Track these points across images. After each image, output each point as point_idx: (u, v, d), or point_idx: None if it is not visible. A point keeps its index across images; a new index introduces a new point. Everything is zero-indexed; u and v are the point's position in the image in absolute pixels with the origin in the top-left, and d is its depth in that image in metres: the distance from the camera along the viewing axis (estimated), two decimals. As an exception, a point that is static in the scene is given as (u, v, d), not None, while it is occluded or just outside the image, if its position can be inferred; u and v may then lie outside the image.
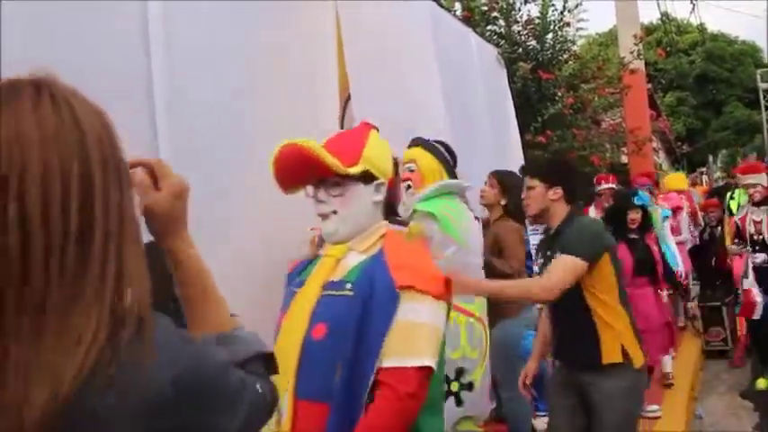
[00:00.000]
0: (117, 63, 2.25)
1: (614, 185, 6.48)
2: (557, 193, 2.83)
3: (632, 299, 3.15)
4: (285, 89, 3.06)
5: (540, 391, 4.74)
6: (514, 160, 6.45)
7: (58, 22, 2.06)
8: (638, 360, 2.75)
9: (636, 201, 5.10)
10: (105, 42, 2.23)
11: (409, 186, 3.01)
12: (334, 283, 1.79)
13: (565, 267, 2.67)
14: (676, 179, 9.14)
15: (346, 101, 3.66)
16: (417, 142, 3.13)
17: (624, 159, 10.99)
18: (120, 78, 2.22)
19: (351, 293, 1.73)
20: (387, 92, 3.78)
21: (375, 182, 1.84)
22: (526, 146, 7.08)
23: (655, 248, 5.28)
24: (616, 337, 2.73)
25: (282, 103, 3.02)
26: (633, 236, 4.96)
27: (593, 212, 6.36)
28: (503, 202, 3.96)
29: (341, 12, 3.47)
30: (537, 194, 2.87)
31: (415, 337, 1.66)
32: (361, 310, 1.68)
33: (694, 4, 26.65)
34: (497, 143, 5.98)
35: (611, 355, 2.72)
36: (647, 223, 5.11)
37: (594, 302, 2.75)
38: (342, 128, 3.60)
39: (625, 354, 2.73)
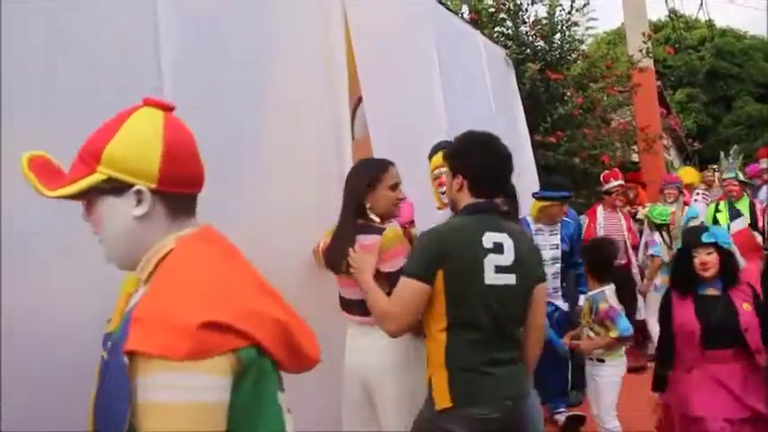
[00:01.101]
0: (128, 62, 2.28)
1: (623, 182, 6.34)
2: (458, 182, 2.36)
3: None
4: (297, 88, 3.08)
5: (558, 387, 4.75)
6: (524, 161, 6.46)
7: (73, 20, 2.11)
8: (440, 402, 2.19)
9: (705, 237, 3.22)
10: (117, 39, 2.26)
11: (443, 192, 3.01)
12: (105, 339, 1.34)
13: (400, 292, 2.23)
14: (688, 173, 8.82)
15: (357, 102, 3.68)
16: (443, 146, 3.13)
17: (635, 158, 10.94)
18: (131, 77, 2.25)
19: (105, 356, 1.28)
20: (394, 95, 3.81)
21: (131, 189, 1.27)
22: (536, 146, 7.08)
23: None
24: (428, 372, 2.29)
25: (293, 101, 3.05)
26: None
27: (601, 212, 6.22)
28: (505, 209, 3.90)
29: (349, 15, 3.50)
30: (446, 182, 2.49)
31: (160, 427, 1.07)
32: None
33: (702, 0, 26.49)
34: (507, 144, 5.97)
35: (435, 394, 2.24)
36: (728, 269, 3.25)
37: (427, 331, 2.29)
38: (353, 129, 3.62)
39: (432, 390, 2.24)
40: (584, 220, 6.03)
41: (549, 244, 4.71)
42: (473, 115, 5.29)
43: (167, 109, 1.33)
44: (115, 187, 1.26)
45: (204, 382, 1.07)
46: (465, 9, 8.12)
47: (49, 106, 2.04)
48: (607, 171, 6.52)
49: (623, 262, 5.92)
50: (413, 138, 3.79)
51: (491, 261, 2.21)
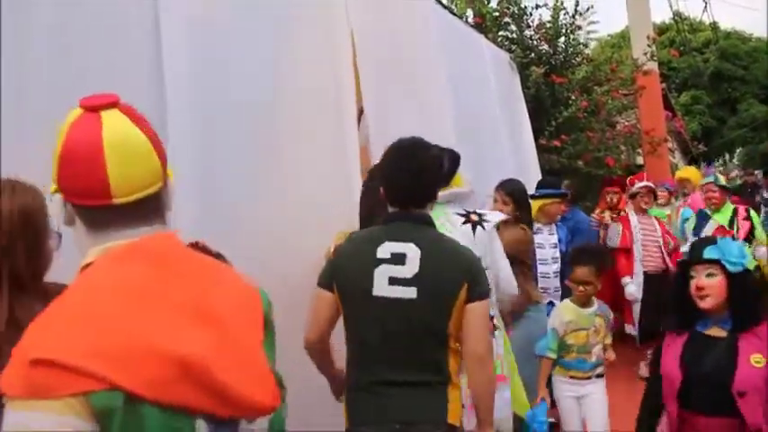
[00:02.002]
0: (130, 68, 2.32)
1: (650, 184, 6.17)
2: (382, 192, 2.27)
3: None
4: (306, 98, 3.12)
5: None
6: (529, 165, 6.47)
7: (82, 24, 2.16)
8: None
9: (707, 252, 2.45)
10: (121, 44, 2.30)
11: None
12: None
13: (311, 301, 2.22)
14: (689, 172, 8.49)
15: (359, 111, 3.70)
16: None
17: (640, 161, 10.93)
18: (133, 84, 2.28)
19: None
20: (396, 103, 3.82)
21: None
22: (541, 150, 7.08)
23: None
24: None
25: (303, 111, 3.08)
26: None
27: (633, 217, 5.90)
28: (516, 213, 3.94)
29: (353, 21, 3.52)
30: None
31: None
32: None
33: (706, 2, 26.49)
34: (512, 148, 5.99)
35: None
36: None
37: None
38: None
39: None
40: (618, 227, 5.78)
41: (549, 243, 4.78)
42: (478, 119, 5.31)
43: (89, 108, 1.17)
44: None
45: (39, 420, 0.97)
46: (469, 13, 8.14)
47: (51, 114, 2.07)
48: (618, 176, 6.43)
49: (663, 267, 5.74)
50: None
51: (384, 272, 2.07)
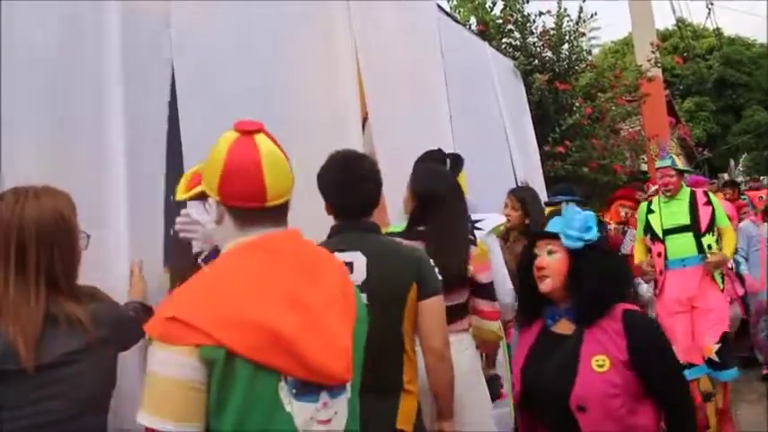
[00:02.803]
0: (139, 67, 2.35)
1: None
2: (326, 206, 2.30)
3: None
4: (310, 105, 3.15)
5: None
6: (533, 172, 6.46)
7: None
8: None
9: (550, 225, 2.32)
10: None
11: None
12: None
13: None
14: None
15: (363, 120, 3.70)
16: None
17: (644, 167, 10.91)
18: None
19: None
20: (399, 112, 3.83)
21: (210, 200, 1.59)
22: (545, 157, 7.07)
23: None
24: None
25: (307, 117, 3.11)
26: None
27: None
28: (526, 222, 3.92)
29: (356, 30, 3.53)
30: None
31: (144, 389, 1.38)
32: None
33: (710, 9, 26.47)
34: (516, 155, 5.98)
35: None
36: None
37: None
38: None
39: None
40: (633, 233, 5.62)
41: None
42: (481, 126, 5.30)
43: (245, 132, 1.51)
44: (208, 197, 1.55)
45: (166, 358, 1.34)
46: (473, 20, 8.15)
47: (56, 119, 2.09)
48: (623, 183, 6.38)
49: None
50: (418, 154, 3.82)
51: None
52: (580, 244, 1.92)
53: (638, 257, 4.83)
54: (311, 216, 2.92)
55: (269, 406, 1.37)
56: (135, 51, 2.36)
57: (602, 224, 5.48)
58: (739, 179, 24.53)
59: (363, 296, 2.04)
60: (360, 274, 2.14)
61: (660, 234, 4.59)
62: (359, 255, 2.17)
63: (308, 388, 1.40)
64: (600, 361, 1.82)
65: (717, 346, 4.30)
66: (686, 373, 4.13)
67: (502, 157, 5.66)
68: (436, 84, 4.44)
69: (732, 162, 26.05)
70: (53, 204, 1.74)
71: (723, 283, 4.52)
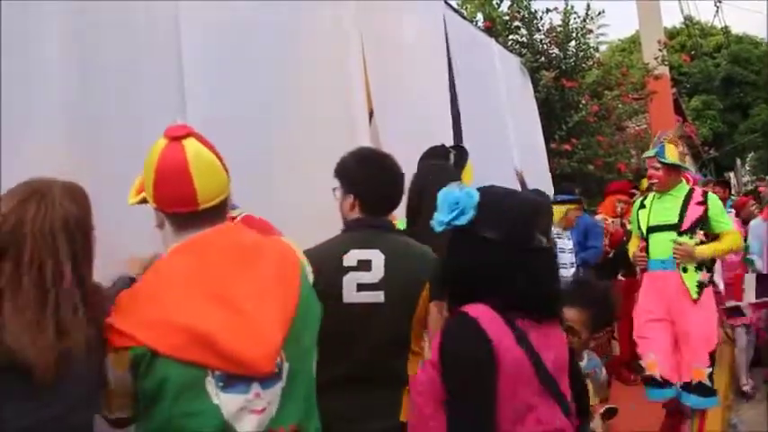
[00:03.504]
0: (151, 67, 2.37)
1: None
2: (349, 202, 2.23)
3: None
4: (317, 99, 3.18)
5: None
6: (540, 169, 6.45)
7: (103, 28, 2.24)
8: None
9: None
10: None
11: None
12: None
13: None
14: None
15: (369, 115, 3.72)
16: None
17: (650, 165, 10.89)
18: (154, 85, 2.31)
19: None
20: (405, 107, 3.85)
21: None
22: (551, 154, 7.07)
23: None
24: None
25: (315, 112, 3.14)
26: None
27: None
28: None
29: (362, 26, 3.55)
30: (338, 201, 2.30)
31: None
32: None
33: (718, 7, 26.36)
34: (523, 152, 5.98)
35: None
36: None
37: None
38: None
39: None
40: None
41: (568, 248, 4.94)
42: (488, 123, 5.30)
43: (173, 138, 1.53)
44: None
45: (111, 359, 1.48)
46: (479, 17, 8.14)
47: (74, 126, 2.11)
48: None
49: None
50: (424, 149, 3.84)
51: (352, 279, 2.13)
52: (443, 227, 1.70)
53: (632, 252, 4.35)
54: (321, 209, 2.96)
55: (195, 398, 1.45)
56: (143, 51, 2.37)
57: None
58: (745, 178, 24.46)
59: (380, 293, 2.15)
60: (378, 271, 2.15)
61: (644, 231, 4.15)
62: (378, 253, 2.17)
63: (235, 380, 1.46)
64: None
65: (708, 370, 3.84)
66: (659, 392, 3.89)
67: (507, 155, 5.66)
68: (441, 81, 4.45)
69: (738, 161, 25.96)
70: (75, 211, 1.59)
71: (699, 294, 3.93)
